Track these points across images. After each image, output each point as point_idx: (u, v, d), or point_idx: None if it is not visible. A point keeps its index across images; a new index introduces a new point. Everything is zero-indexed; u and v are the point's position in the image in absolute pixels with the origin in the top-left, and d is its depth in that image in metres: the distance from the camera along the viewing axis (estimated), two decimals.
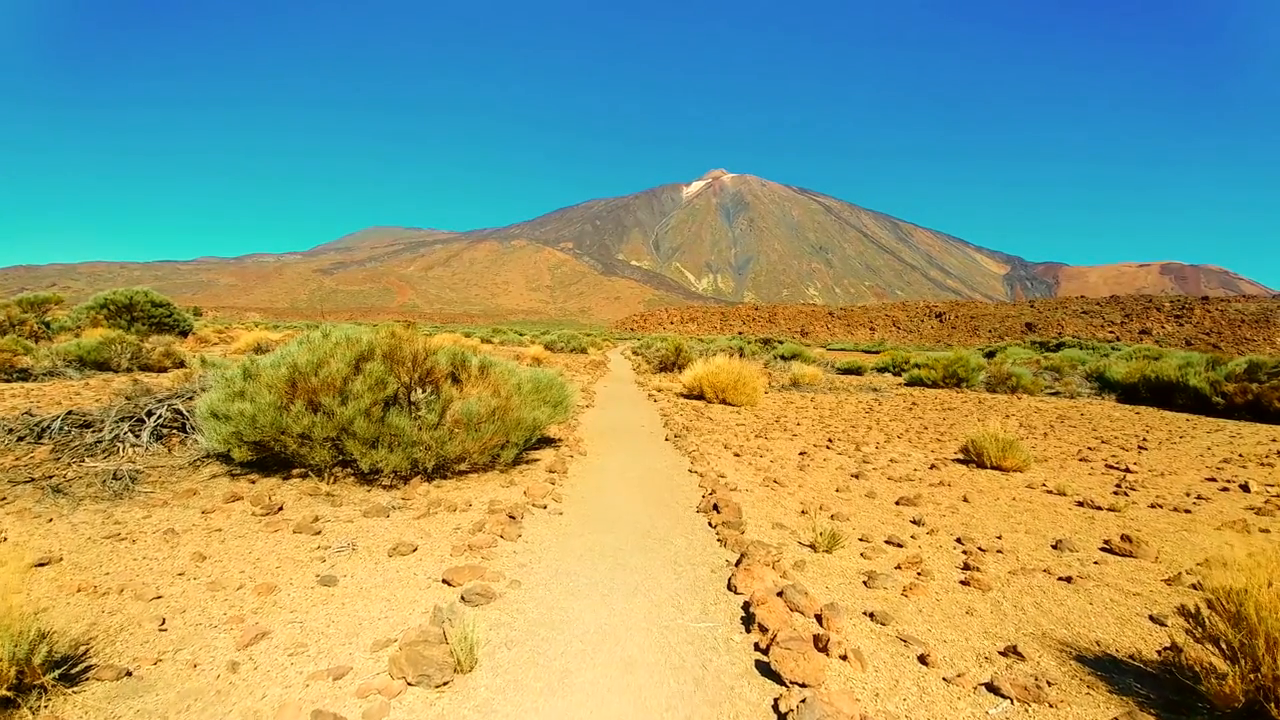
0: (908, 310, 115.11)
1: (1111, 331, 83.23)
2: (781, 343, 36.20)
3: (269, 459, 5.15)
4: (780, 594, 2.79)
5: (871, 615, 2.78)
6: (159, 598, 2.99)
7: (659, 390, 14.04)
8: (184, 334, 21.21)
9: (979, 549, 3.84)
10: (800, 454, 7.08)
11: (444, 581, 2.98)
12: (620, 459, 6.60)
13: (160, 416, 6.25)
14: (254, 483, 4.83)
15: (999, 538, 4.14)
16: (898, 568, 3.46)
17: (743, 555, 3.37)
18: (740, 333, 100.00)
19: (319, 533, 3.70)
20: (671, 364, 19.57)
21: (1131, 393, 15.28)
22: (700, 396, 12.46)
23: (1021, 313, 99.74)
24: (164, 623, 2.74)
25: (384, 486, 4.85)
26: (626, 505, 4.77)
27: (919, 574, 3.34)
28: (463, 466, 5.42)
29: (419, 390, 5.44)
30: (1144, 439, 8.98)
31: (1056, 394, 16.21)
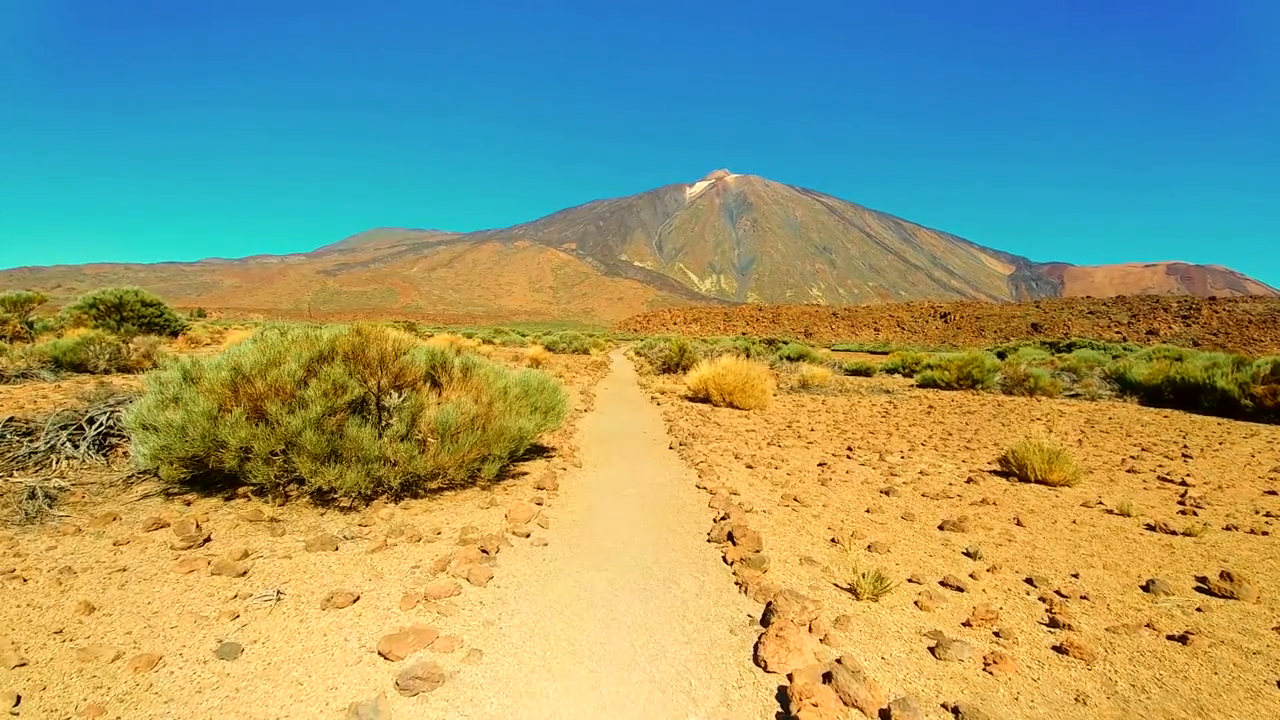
0: (912, 311, 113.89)
1: (1118, 332, 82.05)
2: (786, 343, 35.43)
3: (213, 475, 4.46)
4: (827, 676, 2.07)
5: (956, 712, 2.00)
6: (23, 665, 2.36)
7: (662, 393, 13.32)
8: (175, 334, 20.62)
9: (1057, 594, 3.11)
10: (819, 465, 6.36)
11: (380, 654, 2.27)
12: (619, 471, 5.89)
13: (102, 425, 5.57)
14: (189, 504, 4.13)
15: (1075, 576, 3.42)
16: (966, 624, 2.72)
17: (769, 608, 2.66)
18: (744, 333, 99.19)
19: (244, 574, 2.99)
20: (675, 365, 18.84)
21: (1154, 394, 14.55)
22: (706, 399, 11.75)
23: (1027, 313, 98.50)
24: (19, 702, 2.15)
25: (342, 509, 4.15)
26: (624, 532, 4.05)
27: (997, 634, 2.61)
28: (437, 484, 4.72)
29: (392, 396, 4.74)
30: (1185, 446, 8.25)
31: (1076, 396, 15.44)
